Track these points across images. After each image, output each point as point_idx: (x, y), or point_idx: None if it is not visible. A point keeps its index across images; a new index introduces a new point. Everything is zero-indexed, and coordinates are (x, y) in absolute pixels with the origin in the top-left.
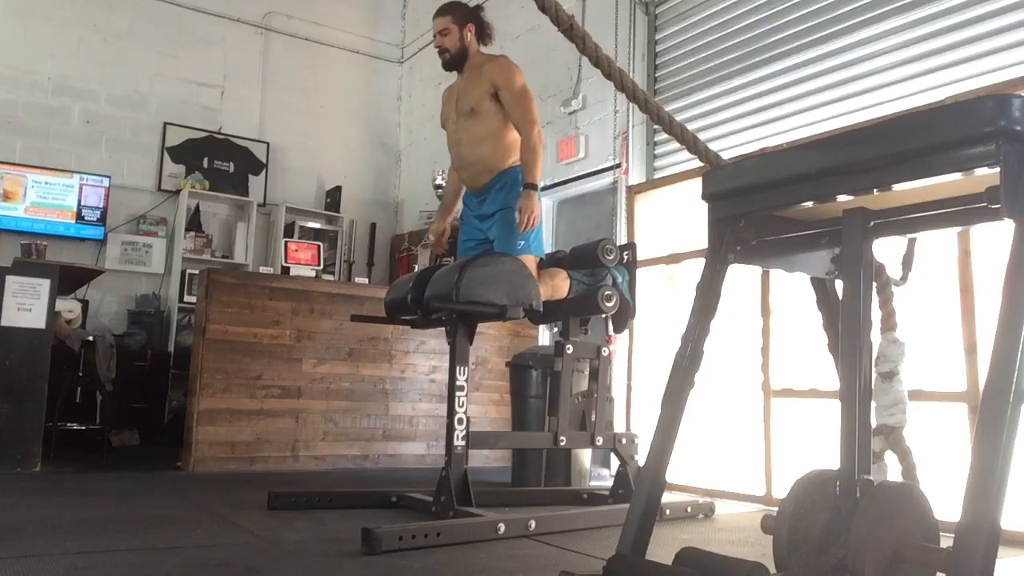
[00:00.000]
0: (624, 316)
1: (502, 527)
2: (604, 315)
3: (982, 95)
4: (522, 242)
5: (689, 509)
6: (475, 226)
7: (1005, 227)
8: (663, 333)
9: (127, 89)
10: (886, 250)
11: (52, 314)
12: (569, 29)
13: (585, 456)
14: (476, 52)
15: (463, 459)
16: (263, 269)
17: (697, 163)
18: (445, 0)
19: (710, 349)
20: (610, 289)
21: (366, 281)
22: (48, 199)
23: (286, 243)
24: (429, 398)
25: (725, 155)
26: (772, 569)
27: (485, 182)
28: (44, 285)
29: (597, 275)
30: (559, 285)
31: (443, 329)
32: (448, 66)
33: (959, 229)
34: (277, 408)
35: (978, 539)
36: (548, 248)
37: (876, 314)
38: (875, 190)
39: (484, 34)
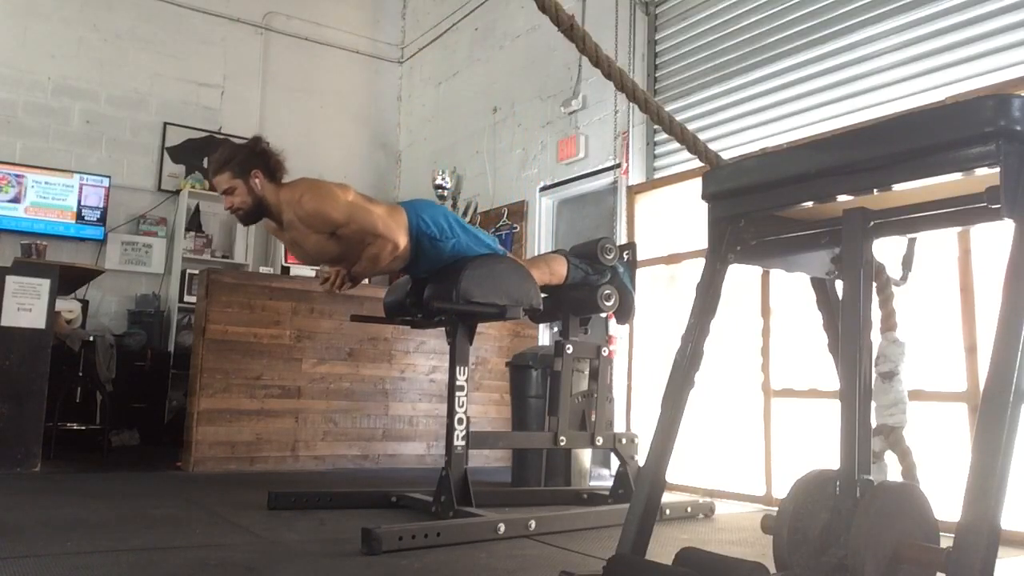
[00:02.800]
0: (626, 308)
1: (502, 527)
2: (604, 314)
3: (982, 95)
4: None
5: (689, 509)
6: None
7: (1005, 227)
8: (663, 333)
9: (127, 89)
10: (886, 250)
11: (52, 314)
12: (569, 29)
13: (585, 456)
14: (275, 194)
15: (463, 459)
16: (263, 269)
17: (697, 163)
18: (219, 150)
19: (710, 349)
20: (609, 288)
21: (366, 281)
22: (48, 199)
23: None
24: (429, 398)
25: (725, 155)
26: (772, 569)
27: (409, 269)
28: (44, 285)
29: (597, 266)
30: (556, 269)
31: (443, 329)
32: (247, 222)
33: (959, 229)
34: (277, 408)
35: (978, 539)
36: (549, 248)
37: (876, 314)
38: (875, 190)
39: (275, 170)
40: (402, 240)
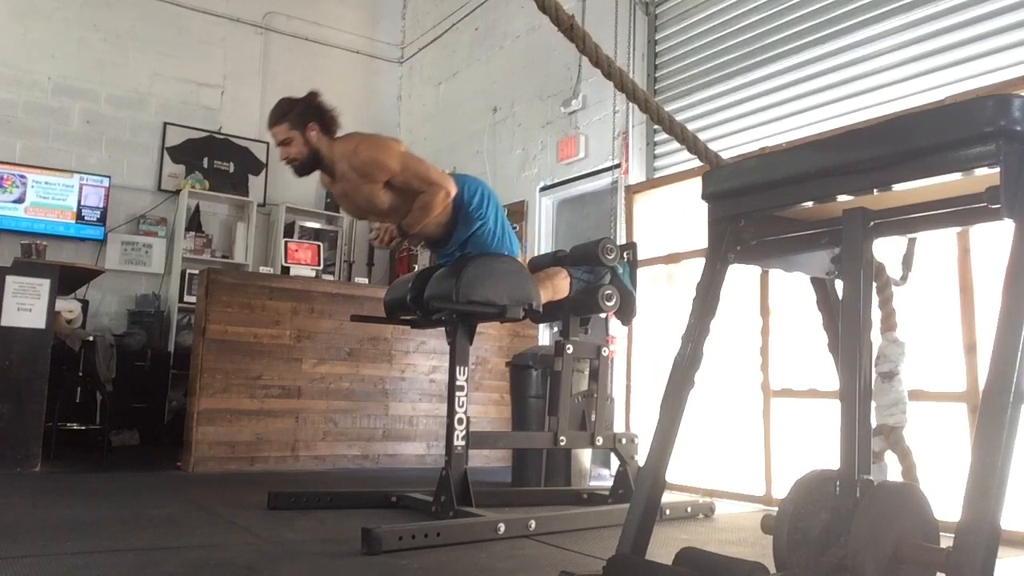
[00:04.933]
0: (628, 308)
1: (502, 527)
2: (604, 314)
3: (982, 95)
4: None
5: (689, 509)
6: (449, 261)
7: (1005, 227)
8: (663, 333)
9: (127, 89)
10: (886, 250)
11: (52, 314)
12: (569, 29)
13: (585, 456)
14: (329, 147)
15: (463, 459)
16: (263, 269)
17: (697, 163)
18: (277, 103)
19: (710, 349)
20: (610, 288)
21: (366, 281)
22: (48, 199)
23: (286, 243)
24: (429, 398)
25: (725, 155)
26: (772, 569)
27: (447, 239)
28: (44, 285)
29: (598, 272)
30: (559, 285)
31: (443, 329)
32: (302, 173)
33: (959, 229)
34: (277, 408)
35: (978, 539)
36: (548, 248)
37: (876, 314)
38: (875, 190)
39: (329, 124)
40: (452, 188)
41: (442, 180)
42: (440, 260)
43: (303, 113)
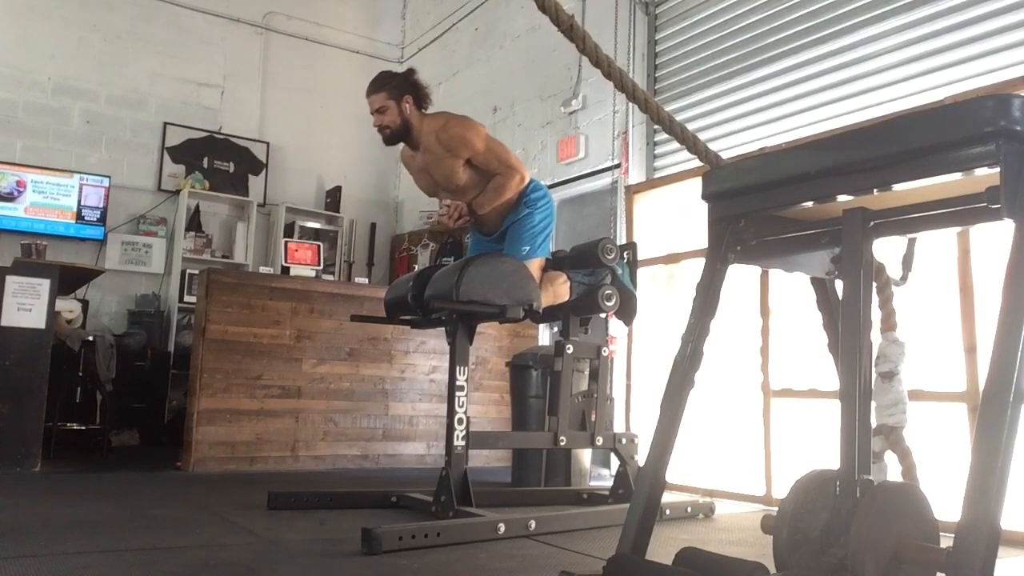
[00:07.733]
0: (629, 308)
1: (502, 527)
2: (604, 314)
3: (982, 95)
4: (527, 248)
5: (689, 509)
6: (485, 244)
7: (1005, 227)
8: (663, 333)
9: (127, 89)
10: (886, 250)
11: (52, 314)
12: (569, 29)
13: (585, 456)
14: (419, 121)
15: (463, 459)
16: (263, 269)
17: (697, 163)
18: (377, 74)
19: (710, 349)
20: (610, 288)
21: (366, 281)
22: (48, 199)
23: (286, 243)
24: (429, 398)
25: (725, 155)
26: (772, 569)
27: (497, 226)
28: (44, 285)
29: (598, 274)
30: (559, 290)
31: (443, 329)
32: (390, 142)
33: (959, 229)
34: (277, 408)
35: (978, 539)
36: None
37: (876, 314)
38: (875, 190)
39: (422, 99)
40: (527, 174)
41: (519, 165)
42: (475, 248)
43: (401, 85)
